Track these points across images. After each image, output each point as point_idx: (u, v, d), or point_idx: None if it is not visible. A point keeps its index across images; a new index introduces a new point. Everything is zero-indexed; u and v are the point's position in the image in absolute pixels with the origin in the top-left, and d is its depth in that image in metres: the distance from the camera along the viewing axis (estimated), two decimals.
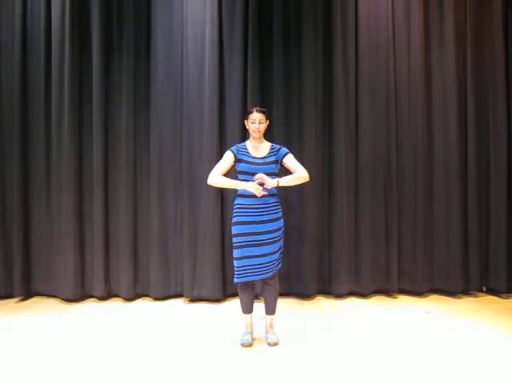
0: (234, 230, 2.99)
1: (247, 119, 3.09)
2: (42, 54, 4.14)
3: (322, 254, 4.20)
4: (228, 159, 3.05)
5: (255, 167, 2.96)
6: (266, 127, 3.10)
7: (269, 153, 3.06)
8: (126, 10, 4.11)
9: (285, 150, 3.10)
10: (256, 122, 3.03)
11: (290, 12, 4.18)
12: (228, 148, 3.18)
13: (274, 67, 4.15)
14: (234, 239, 2.98)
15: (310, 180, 3.06)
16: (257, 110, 3.06)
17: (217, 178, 2.96)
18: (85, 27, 4.14)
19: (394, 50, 4.20)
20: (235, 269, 2.96)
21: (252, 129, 3.05)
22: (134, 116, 4.15)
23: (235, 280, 2.97)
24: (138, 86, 4.16)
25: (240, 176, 3.04)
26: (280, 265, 3.08)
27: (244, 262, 2.92)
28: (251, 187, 2.86)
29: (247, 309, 3.12)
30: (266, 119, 3.09)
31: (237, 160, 3.04)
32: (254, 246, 2.92)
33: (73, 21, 4.06)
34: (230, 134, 4.10)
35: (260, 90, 4.12)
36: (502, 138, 4.24)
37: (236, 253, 2.96)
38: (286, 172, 3.08)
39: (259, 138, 3.08)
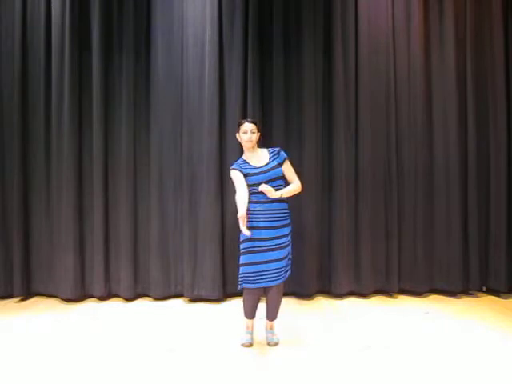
0: (244, 235, 2.94)
1: (238, 131, 3.08)
2: (42, 54, 4.14)
3: (322, 254, 4.20)
4: (240, 176, 2.98)
5: (262, 176, 2.96)
6: (257, 138, 3.09)
7: (270, 158, 3.06)
8: (126, 10, 4.11)
9: (283, 153, 3.11)
10: (248, 131, 3.02)
11: (290, 12, 4.17)
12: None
13: (274, 67, 4.15)
14: (243, 245, 2.96)
15: (301, 191, 3.12)
16: (247, 121, 3.07)
17: (239, 181, 2.94)
18: (85, 27, 4.14)
19: (394, 50, 4.20)
20: (242, 274, 2.94)
21: (245, 139, 3.03)
22: (134, 116, 4.15)
23: (243, 285, 2.95)
24: (138, 86, 4.16)
25: (250, 189, 2.98)
26: (289, 271, 3.08)
27: (254, 268, 2.90)
28: (240, 220, 2.80)
29: (250, 315, 3.10)
30: (258, 130, 3.09)
31: (244, 175, 2.99)
32: (262, 251, 2.90)
33: (73, 21, 4.06)
34: (229, 134, 4.10)
35: (260, 90, 4.12)
36: (502, 138, 4.23)
37: (244, 259, 2.94)
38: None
39: (252, 148, 3.07)
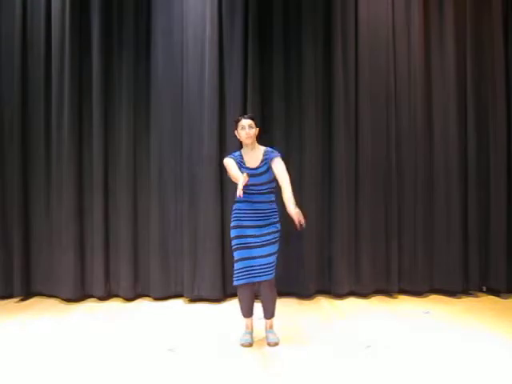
0: (232, 232, 3.05)
1: (236, 128, 3.06)
2: (42, 53, 4.14)
3: (322, 254, 4.20)
4: (233, 163, 2.98)
5: (252, 179, 2.95)
6: (256, 133, 3.06)
7: (261, 161, 3.02)
8: (126, 10, 4.11)
9: (273, 153, 3.05)
10: (246, 127, 3.00)
11: (290, 12, 4.17)
12: (226, 150, 3.15)
13: (274, 67, 4.15)
14: (232, 242, 3.04)
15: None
16: (244, 117, 3.06)
17: (232, 165, 2.94)
18: (85, 27, 4.14)
19: (394, 50, 4.20)
20: (234, 270, 3.00)
21: (243, 135, 3.00)
22: (134, 116, 4.15)
23: (234, 282, 3.01)
24: (138, 86, 4.16)
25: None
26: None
27: (242, 264, 2.96)
28: (240, 180, 2.76)
29: (247, 313, 3.12)
30: (256, 125, 3.06)
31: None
32: (251, 247, 2.96)
33: (73, 21, 4.06)
34: (229, 134, 4.08)
35: (260, 90, 4.12)
36: (502, 138, 4.23)
37: (235, 255, 3.01)
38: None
39: (252, 144, 3.05)
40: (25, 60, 4.15)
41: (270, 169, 3.02)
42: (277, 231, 3.05)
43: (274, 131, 4.12)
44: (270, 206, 3.05)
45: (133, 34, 4.11)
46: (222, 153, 4.07)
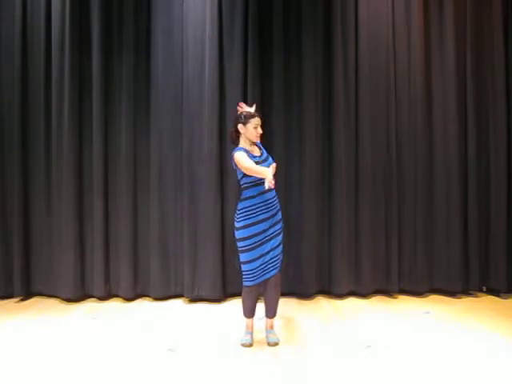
0: (244, 233, 2.94)
1: (246, 123, 2.96)
2: (42, 53, 4.13)
3: (322, 254, 4.20)
4: (246, 156, 2.91)
5: (265, 164, 2.96)
6: None
7: (261, 149, 3.10)
8: (126, 10, 4.11)
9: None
10: (259, 126, 3.00)
11: (290, 12, 4.17)
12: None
13: (274, 67, 4.15)
14: (244, 243, 2.95)
15: None
16: (258, 115, 3.01)
17: (247, 157, 2.87)
18: (85, 27, 4.13)
19: (394, 49, 4.20)
20: (247, 272, 2.96)
21: (254, 134, 2.97)
22: (134, 116, 4.15)
23: (249, 283, 2.97)
24: (138, 86, 4.16)
25: (247, 179, 2.91)
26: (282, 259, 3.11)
27: (257, 263, 2.94)
28: (267, 174, 2.66)
29: (250, 313, 3.11)
30: None
31: None
32: (263, 243, 2.95)
33: (73, 21, 4.06)
34: None
35: (260, 90, 4.12)
36: (502, 138, 4.23)
37: (248, 256, 2.95)
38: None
39: (254, 143, 3.07)
40: (25, 60, 4.14)
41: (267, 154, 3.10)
42: (281, 220, 3.07)
43: (273, 131, 4.12)
44: (274, 193, 3.02)
45: (133, 34, 4.11)
46: (222, 153, 4.09)
